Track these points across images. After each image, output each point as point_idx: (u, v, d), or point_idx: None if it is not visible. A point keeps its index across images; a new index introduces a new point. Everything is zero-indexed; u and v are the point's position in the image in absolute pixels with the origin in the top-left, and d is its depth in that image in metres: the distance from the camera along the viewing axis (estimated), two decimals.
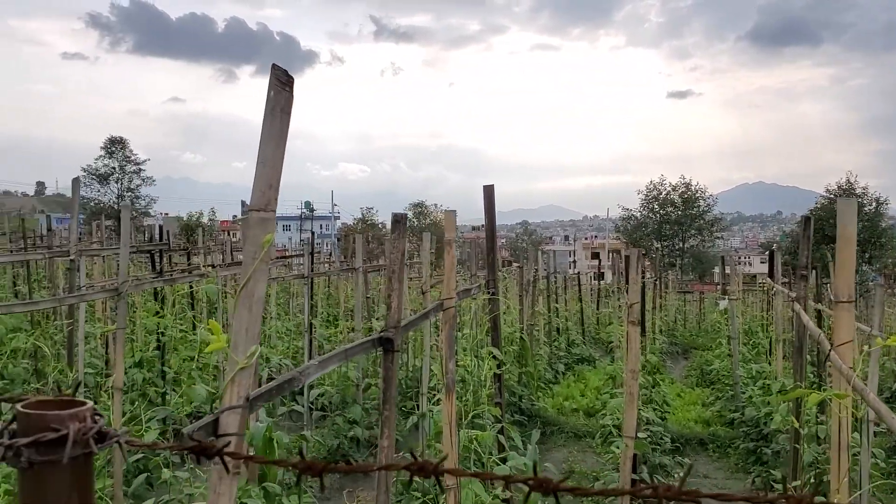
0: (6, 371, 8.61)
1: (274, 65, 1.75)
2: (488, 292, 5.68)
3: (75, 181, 6.45)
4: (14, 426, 0.82)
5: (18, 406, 0.83)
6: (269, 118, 1.77)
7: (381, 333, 2.97)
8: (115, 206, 67.68)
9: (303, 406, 8.64)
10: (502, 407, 5.68)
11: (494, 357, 5.52)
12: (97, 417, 0.85)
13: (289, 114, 1.80)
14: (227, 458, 1.55)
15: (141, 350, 8.94)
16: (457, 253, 4.21)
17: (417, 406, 7.26)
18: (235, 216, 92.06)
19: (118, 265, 12.51)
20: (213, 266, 9.35)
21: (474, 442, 5.14)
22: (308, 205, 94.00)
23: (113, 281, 9.57)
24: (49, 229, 13.74)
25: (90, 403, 0.85)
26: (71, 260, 6.05)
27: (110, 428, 0.85)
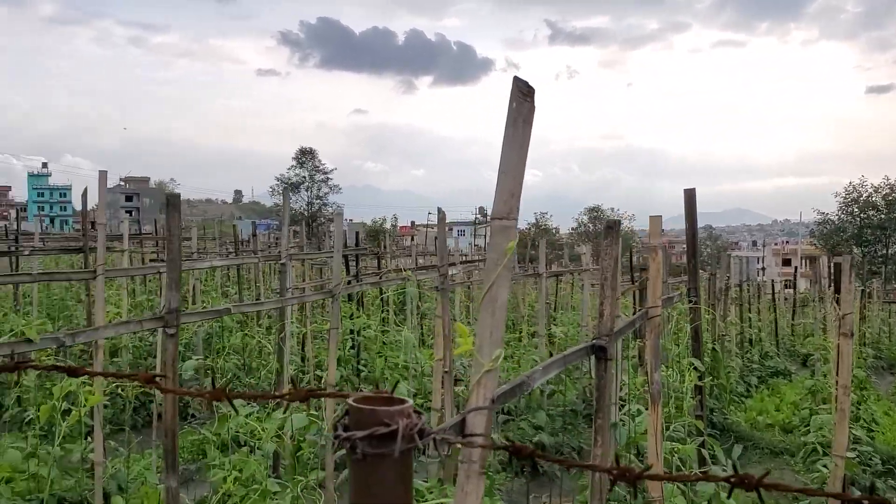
0: (220, 366, 9.42)
1: (516, 77, 1.80)
2: (689, 300, 5.51)
3: (285, 191, 6.96)
4: (346, 420, 0.90)
5: (350, 401, 0.91)
6: (510, 128, 1.82)
7: (595, 341, 2.96)
8: (305, 213, 71.76)
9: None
10: (703, 419, 5.47)
11: (695, 368, 5.34)
12: (418, 415, 0.91)
13: (530, 124, 1.84)
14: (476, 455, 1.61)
15: (338, 349, 9.45)
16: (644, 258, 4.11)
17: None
18: (414, 222, 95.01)
19: (327, 269, 13.21)
20: (402, 269, 9.69)
21: (674, 454, 4.99)
22: (482, 210, 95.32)
23: (318, 282, 10.18)
24: (254, 235, 14.84)
25: (410, 402, 0.92)
26: (282, 263, 6.51)
27: (428, 425, 0.91)
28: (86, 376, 1.73)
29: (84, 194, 8.03)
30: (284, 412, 4.41)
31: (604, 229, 3.05)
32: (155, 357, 9.98)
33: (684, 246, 6.68)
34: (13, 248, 10.50)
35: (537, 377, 2.31)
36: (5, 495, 5.12)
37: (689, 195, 5.40)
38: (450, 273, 5.50)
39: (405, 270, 8.45)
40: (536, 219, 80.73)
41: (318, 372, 8.95)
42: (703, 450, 5.25)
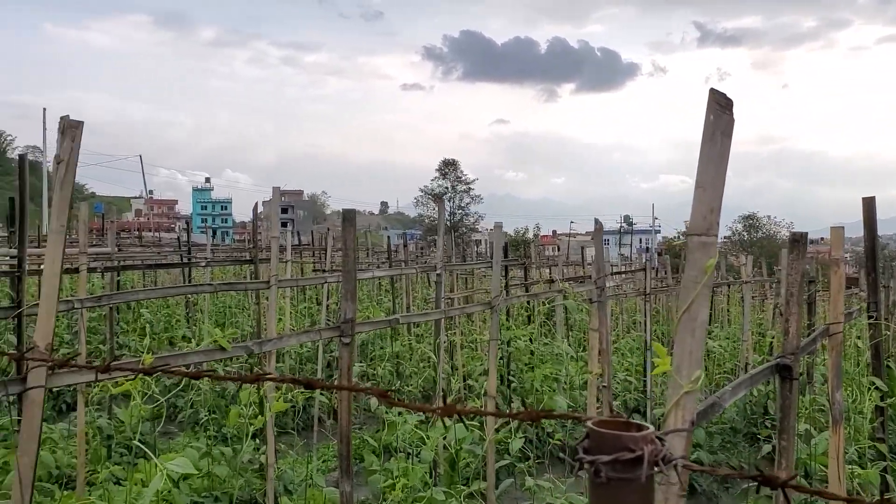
0: (372, 373, 9.71)
1: (712, 89, 1.75)
2: (869, 315, 5.14)
3: (441, 202, 7.08)
4: (586, 443, 0.91)
5: (590, 424, 0.92)
6: (708, 142, 1.77)
7: (779, 360, 2.82)
8: (448, 223, 73.00)
9: None
10: (886, 442, 5.08)
11: (877, 388, 4.97)
12: (661, 441, 0.90)
13: (729, 136, 1.78)
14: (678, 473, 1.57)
15: (482, 360, 9.50)
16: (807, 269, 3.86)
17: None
18: (555, 231, 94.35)
19: (472, 279, 13.35)
20: (557, 280, 9.63)
21: (854, 479, 4.67)
22: (627, 218, 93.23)
23: (467, 293, 10.30)
24: (405, 245, 15.22)
25: (651, 428, 0.91)
26: (438, 274, 6.63)
27: (670, 452, 0.90)
28: (272, 382, 1.83)
29: (255, 208, 8.53)
30: (452, 422, 4.48)
31: (789, 243, 2.90)
32: (312, 362, 10.46)
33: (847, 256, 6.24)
34: (187, 260, 11.29)
35: (727, 397, 2.23)
36: (184, 492, 5.48)
37: (869, 204, 5.05)
38: (607, 285, 5.42)
39: (561, 282, 8.39)
40: (686, 227, 77.95)
41: (470, 381, 9.04)
42: (886, 475, 4.87)
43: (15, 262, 10.04)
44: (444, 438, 4.82)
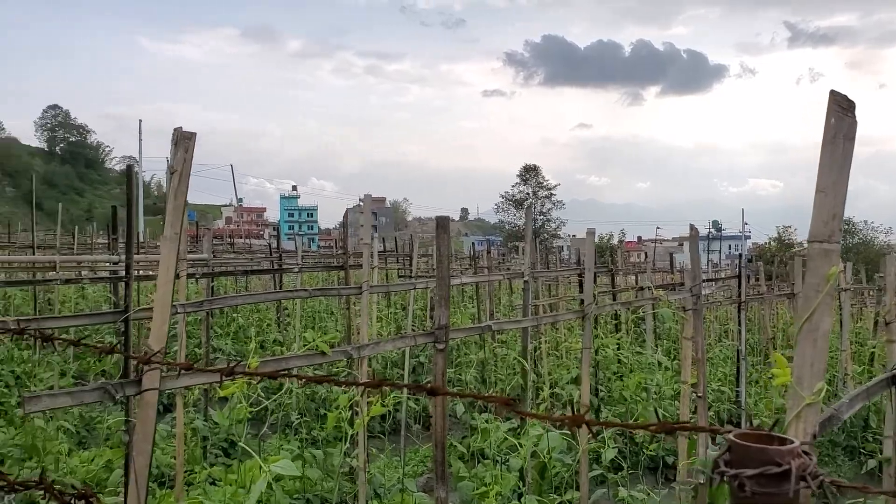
0: (458, 379, 9.73)
1: (832, 91, 1.69)
2: None
3: (528, 211, 7.06)
4: (727, 456, 0.88)
5: (731, 437, 0.89)
6: (829, 145, 1.70)
7: (894, 372, 2.69)
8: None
9: None
10: None
11: None
12: (808, 455, 0.87)
13: (852, 140, 1.72)
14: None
15: (568, 368, 9.39)
16: None
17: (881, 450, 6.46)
18: (640, 237, 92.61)
19: (556, 286, 13.21)
20: (642, 288, 9.45)
21: None
22: (715, 224, 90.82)
23: (552, 300, 10.21)
24: (488, 252, 15.24)
25: (796, 441, 0.88)
26: (525, 281, 6.61)
27: (818, 467, 0.87)
28: (388, 388, 1.84)
29: (345, 216, 8.70)
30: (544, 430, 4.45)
31: None
32: (397, 367, 10.56)
33: None
34: (278, 266, 11.60)
35: (845, 410, 2.13)
36: (277, 493, 5.62)
37: None
38: (703, 293, 5.28)
39: (654, 290, 8.23)
40: (779, 233, 75.43)
41: (556, 389, 8.96)
42: None
43: (117, 267, 10.53)
44: (536, 446, 4.79)
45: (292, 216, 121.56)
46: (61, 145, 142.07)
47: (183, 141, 2.59)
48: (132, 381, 2.53)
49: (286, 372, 2.31)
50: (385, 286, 7.44)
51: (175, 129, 2.59)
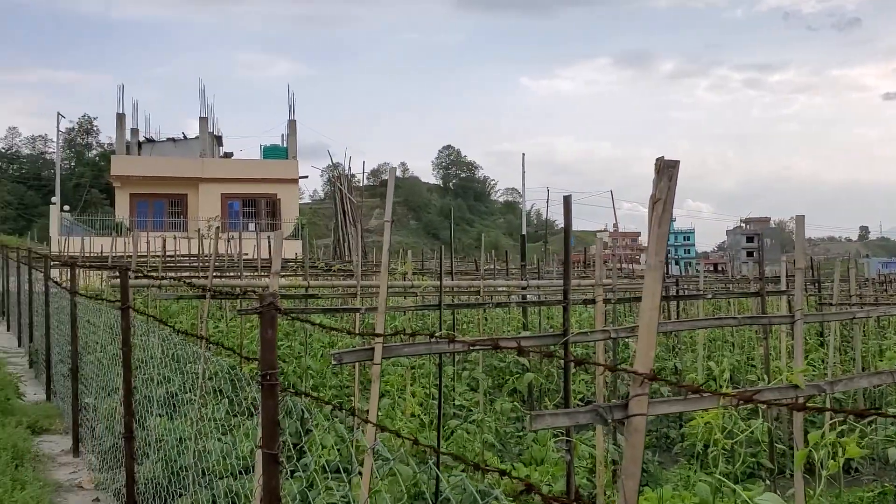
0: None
1: None
2: None
3: None
4: None
5: None
6: None
7: None
8: None
9: None
10: None
11: None
12: None
13: None
14: None
15: None
16: None
17: None
18: None
19: None
20: None
21: None
22: None
23: None
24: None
25: None
26: None
27: None
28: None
29: (760, 241, 8.21)
30: None
31: None
32: None
33: None
34: (676, 292, 11.41)
35: None
36: None
37: None
38: None
39: None
40: None
41: None
42: None
43: (525, 292, 11.27)
44: None
45: (668, 240, 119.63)
46: (454, 181, 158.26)
47: (667, 169, 2.63)
48: (620, 405, 2.60)
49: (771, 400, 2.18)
50: (819, 315, 6.81)
51: (657, 159, 2.66)
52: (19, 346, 15.64)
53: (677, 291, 11.59)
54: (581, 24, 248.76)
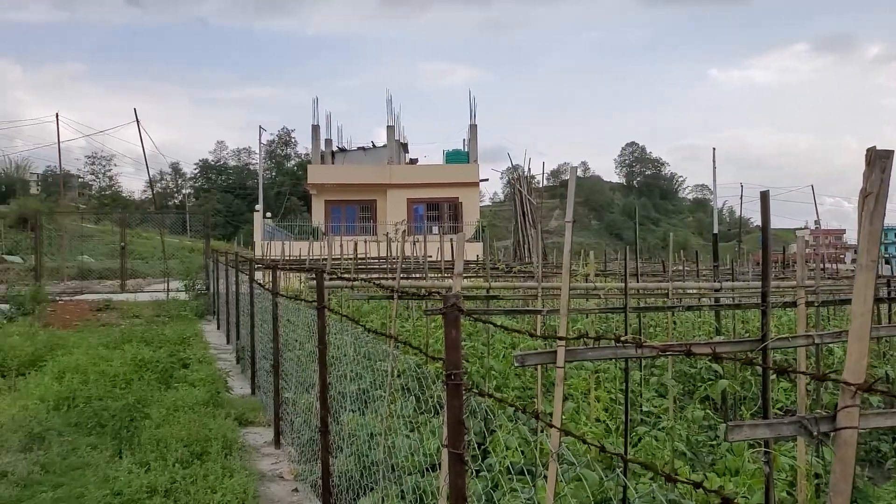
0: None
1: None
2: None
3: None
4: None
5: None
6: None
7: None
8: None
9: None
10: None
11: None
12: None
13: None
14: None
15: None
16: None
17: None
18: None
19: None
20: None
21: None
22: None
23: None
24: None
25: None
26: None
27: None
28: None
29: None
30: None
31: None
32: None
33: None
34: (892, 294, 10.42)
35: None
36: None
37: None
38: None
39: None
40: None
41: None
42: None
43: (718, 294, 10.72)
44: None
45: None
46: (638, 179, 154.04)
47: (879, 161, 2.41)
48: (827, 418, 2.43)
49: None
50: None
51: (868, 150, 2.45)
52: (227, 342, 16.93)
53: (889, 293, 10.56)
54: (774, 9, 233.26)
